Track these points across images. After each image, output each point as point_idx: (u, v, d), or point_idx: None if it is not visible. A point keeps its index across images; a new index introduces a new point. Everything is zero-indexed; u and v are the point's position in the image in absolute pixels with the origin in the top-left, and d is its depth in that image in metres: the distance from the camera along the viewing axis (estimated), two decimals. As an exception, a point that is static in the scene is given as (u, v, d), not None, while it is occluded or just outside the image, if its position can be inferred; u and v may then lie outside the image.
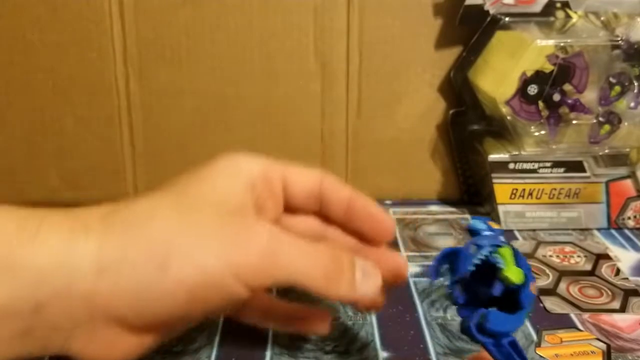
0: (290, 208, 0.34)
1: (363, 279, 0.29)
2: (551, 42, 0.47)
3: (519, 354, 0.25)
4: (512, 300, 0.25)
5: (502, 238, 0.26)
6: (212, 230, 0.27)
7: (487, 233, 0.27)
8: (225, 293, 0.26)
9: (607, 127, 0.49)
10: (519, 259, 0.26)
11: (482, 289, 0.25)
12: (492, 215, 0.53)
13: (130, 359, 0.28)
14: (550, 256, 0.47)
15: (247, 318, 0.35)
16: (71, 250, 0.25)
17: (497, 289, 0.25)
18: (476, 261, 0.25)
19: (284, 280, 0.27)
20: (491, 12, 0.50)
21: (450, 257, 0.27)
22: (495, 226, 0.27)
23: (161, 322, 0.27)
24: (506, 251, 0.26)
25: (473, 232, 0.27)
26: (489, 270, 0.25)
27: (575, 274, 0.44)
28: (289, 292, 0.35)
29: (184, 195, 0.29)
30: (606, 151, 0.50)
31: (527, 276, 0.25)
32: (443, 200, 0.57)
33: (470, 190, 0.56)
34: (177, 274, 0.25)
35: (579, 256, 0.47)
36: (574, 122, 0.49)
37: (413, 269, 0.45)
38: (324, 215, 0.34)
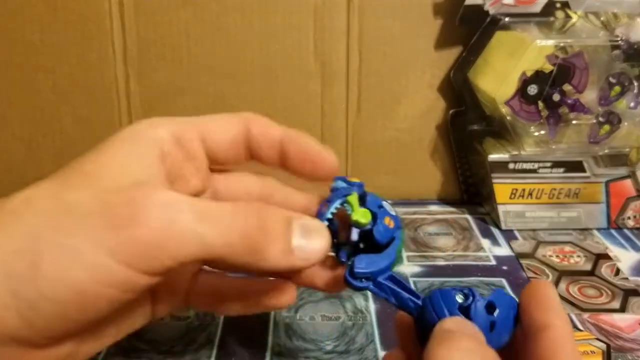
0: (218, 165, 0.30)
1: (303, 241, 0.24)
2: (551, 42, 0.47)
3: (400, 285, 0.26)
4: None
5: (357, 189, 0.27)
6: (89, 213, 0.22)
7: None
8: (118, 284, 0.22)
9: (606, 127, 0.49)
10: (369, 200, 0.27)
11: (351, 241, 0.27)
12: (492, 215, 0.53)
13: None
14: (550, 256, 0.47)
15: (195, 304, 0.31)
16: None
17: (353, 235, 0.26)
18: (328, 215, 0.26)
19: (193, 255, 0.23)
20: (491, 12, 0.50)
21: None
22: (354, 180, 0.28)
23: (62, 330, 0.23)
24: (352, 198, 0.26)
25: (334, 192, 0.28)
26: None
27: (575, 274, 0.44)
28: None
29: (70, 176, 0.24)
30: (606, 151, 0.50)
31: (374, 213, 0.26)
32: (443, 200, 0.57)
33: (470, 190, 0.56)
34: (51, 270, 0.21)
35: (578, 256, 0.47)
36: (574, 122, 0.49)
37: (413, 268, 0.45)
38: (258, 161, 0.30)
